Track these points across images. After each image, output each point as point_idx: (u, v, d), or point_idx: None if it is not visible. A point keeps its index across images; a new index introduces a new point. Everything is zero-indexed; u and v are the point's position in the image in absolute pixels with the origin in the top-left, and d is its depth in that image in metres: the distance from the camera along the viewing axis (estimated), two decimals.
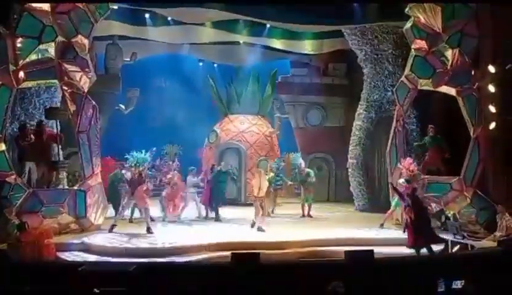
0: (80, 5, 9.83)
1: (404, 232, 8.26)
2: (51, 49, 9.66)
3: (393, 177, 10.85)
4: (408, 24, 10.67)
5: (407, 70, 10.84)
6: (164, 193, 11.62)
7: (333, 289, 5.05)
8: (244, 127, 14.89)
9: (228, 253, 6.52)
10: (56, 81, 10.00)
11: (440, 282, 5.38)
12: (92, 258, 8.27)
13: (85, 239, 9.02)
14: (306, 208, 12.30)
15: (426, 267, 6.17)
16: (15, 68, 9.40)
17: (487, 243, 8.85)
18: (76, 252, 8.70)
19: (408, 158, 10.62)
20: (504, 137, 9.92)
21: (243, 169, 14.26)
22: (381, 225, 10.53)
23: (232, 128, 14.92)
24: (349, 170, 13.59)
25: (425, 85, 10.69)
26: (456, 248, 8.93)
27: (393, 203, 10.63)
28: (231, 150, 14.52)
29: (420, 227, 7.85)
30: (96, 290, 5.02)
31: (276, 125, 15.40)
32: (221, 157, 14.28)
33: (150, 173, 11.89)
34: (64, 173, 10.89)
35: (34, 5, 9.52)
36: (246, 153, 14.38)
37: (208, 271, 6.46)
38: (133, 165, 10.11)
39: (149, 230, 9.76)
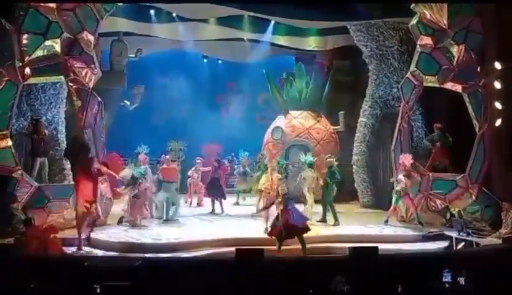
0: None
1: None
2: (57, 45, 9.68)
3: (397, 173, 10.83)
4: (414, 21, 10.62)
5: (412, 67, 10.80)
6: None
7: (336, 285, 5.08)
8: (310, 124, 14.65)
9: (232, 249, 6.55)
10: (62, 77, 10.04)
11: (446, 273, 5.39)
12: (98, 253, 8.32)
13: (91, 235, 9.07)
14: None
15: (431, 263, 6.16)
16: (21, 64, 9.44)
17: (492, 240, 8.82)
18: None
19: (407, 154, 10.61)
20: (510, 134, 9.87)
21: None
22: (386, 222, 10.53)
23: (297, 125, 14.66)
24: (354, 167, 13.58)
25: (431, 81, 10.64)
26: (461, 245, 8.92)
27: (394, 199, 10.61)
28: (297, 147, 14.22)
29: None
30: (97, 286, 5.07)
31: (340, 121, 15.10)
32: (287, 153, 14.17)
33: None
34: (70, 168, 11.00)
35: None
36: (315, 151, 14.06)
37: (213, 267, 6.48)
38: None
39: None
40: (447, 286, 5.48)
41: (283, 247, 8.46)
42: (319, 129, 14.57)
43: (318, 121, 14.77)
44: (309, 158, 11.31)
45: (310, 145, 14.28)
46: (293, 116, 14.91)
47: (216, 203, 12.31)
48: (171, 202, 11.01)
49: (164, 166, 11.46)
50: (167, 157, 12.02)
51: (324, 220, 10.78)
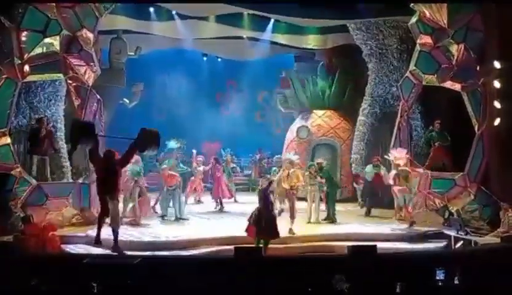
0: None
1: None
2: (56, 43, 9.68)
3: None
4: (414, 19, 10.61)
5: (411, 66, 10.79)
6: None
7: (337, 283, 5.08)
8: (335, 123, 14.68)
9: (231, 247, 6.55)
10: (61, 75, 10.03)
11: (444, 271, 5.40)
12: (96, 251, 8.32)
13: (90, 232, 9.05)
14: None
15: (429, 262, 6.16)
16: (20, 62, 9.42)
17: (491, 239, 8.83)
18: (80, 245, 8.77)
19: (399, 149, 10.51)
20: (509, 133, 9.87)
21: (338, 166, 14.08)
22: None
23: (322, 124, 14.70)
24: (353, 165, 13.57)
25: (430, 80, 10.64)
26: (459, 244, 8.92)
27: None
28: (322, 146, 14.27)
29: (261, 220, 8.05)
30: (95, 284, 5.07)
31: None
32: (314, 153, 14.21)
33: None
34: (68, 166, 11.01)
35: None
36: (342, 150, 14.15)
37: (212, 265, 6.48)
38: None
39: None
40: (445, 284, 5.49)
41: (283, 246, 8.45)
42: (344, 129, 14.59)
43: (343, 120, 14.77)
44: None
45: (337, 144, 14.27)
46: (317, 115, 14.91)
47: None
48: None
49: (165, 173, 11.22)
50: (164, 166, 11.60)
51: (329, 218, 10.76)
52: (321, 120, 14.81)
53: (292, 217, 9.47)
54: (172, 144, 13.01)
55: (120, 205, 10.30)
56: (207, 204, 12.96)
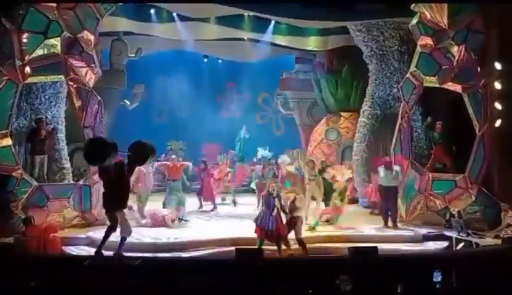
0: None
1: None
2: (57, 44, 9.69)
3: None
4: (414, 21, 10.61)
5: (412, 67, 10.79)
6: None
7: (341, 283, 5.09)
8: None
9: (232, 249, 6.55)
10: (62, 76, 10.04)
11: (437, 273, 5.40)
12: None
13: (91, 234, 9.07)
14: None
15: (430, 263, 6.16)
16: (21, 63, 9.45)
17: (492, 240, 8.82)
18: (81, 247, 8.76)
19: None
20: (510, 134, 9.88)
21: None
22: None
23: (351, 126, 14.64)
24: (354, 167, 13.55)
25: (430, 82, 10.64)
26: (460, 245, 8.92)
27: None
28: (351, 148, 14.04)
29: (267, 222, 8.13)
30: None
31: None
32: (343, 155, 14.21)
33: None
34: (69, 168, 11.02)
35: None
36: None
37: (212, 267, 6.48)
38: None
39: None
40: (446, 286, 5.49)
41: (283, 247, 8.42)
42: None
43: None
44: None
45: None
46: (345, 117, 14.92)
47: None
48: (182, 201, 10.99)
49: (170, 164, 11.21)
50: (174, 157, 11.84)
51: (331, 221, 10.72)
52: (348, 122, 14.78)
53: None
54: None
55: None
56: (207, 206, 12.93)
